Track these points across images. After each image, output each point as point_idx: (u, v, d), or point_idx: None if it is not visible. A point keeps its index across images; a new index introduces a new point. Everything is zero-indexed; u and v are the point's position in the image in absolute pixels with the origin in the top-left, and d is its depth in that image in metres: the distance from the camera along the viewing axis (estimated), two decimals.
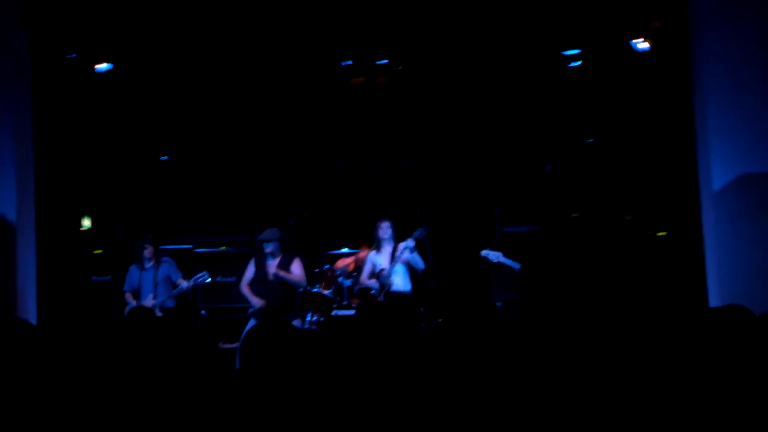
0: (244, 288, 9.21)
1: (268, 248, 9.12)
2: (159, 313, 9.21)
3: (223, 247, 11.54)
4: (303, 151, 12.65)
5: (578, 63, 10.94)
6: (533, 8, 10.14)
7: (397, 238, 9.62)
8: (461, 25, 10.72)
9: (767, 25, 8.23)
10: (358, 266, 10.59)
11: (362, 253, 10.58)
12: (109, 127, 11.47)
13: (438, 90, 12.17)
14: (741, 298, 7.56)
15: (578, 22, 10.44)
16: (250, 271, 9.28)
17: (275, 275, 9.06)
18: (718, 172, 8.65)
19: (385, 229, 9.64)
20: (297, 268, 9.16)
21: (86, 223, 11.48)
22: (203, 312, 10.94)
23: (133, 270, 9.66)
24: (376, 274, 9.59)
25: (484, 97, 12.11)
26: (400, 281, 9.52)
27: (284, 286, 9.08)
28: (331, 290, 10.16)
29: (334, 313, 10.03)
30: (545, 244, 1.29)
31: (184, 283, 9.48)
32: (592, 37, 10.62)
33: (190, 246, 11.17)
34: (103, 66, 10.43)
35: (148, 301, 9.33)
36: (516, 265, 9.22)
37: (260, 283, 9.13)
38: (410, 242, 9.47)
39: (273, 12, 10.00)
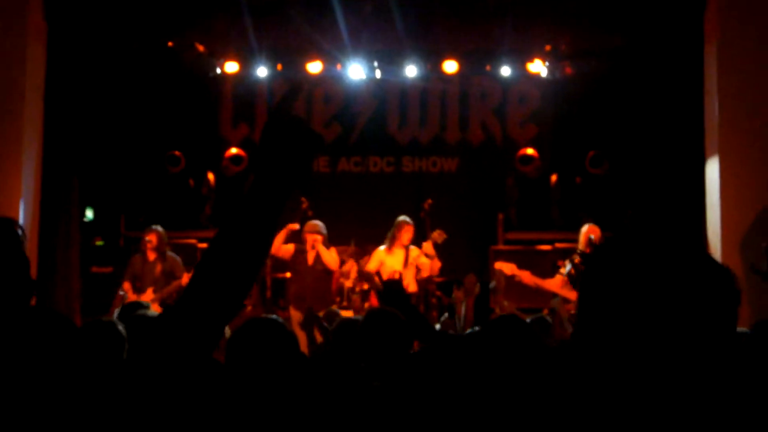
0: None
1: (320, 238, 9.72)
2: (156, 310, 9.15)
3: None
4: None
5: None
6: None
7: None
8: (471, 32, 10.75)
9: None
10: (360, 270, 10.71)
11: (363, 261, 10.67)
12: (118, 117, 11.46)
13: (446, 94, 12.21)
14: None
15: (583, 33, 10.47)
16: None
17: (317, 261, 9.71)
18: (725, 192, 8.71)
19: (407, 233, 9.66)
20: (334, 254, 9.88)
21: (89, 214, 11.43)
22: None
23: (136, 260, 9.62)
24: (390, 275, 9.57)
25: (487, 103, 12.16)
26: (411, 285, 9.54)
27: (323, 274, 9.73)
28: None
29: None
30: (614, 257, 1.18)
31: (185, 281, 9.47)
32: (598, 48, 10.64)
33: (194, 240, 11.14)
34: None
35: (148, 295, 9.29)
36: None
37: (302, 272, 9.79)
38: (427, 247, 9.52)
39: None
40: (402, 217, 9.77)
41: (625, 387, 1.35)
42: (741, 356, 2.79)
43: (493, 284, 7.57)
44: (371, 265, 9.79)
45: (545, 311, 8.58)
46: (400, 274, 9.47)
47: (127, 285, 9.57)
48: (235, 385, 3.24)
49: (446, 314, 7.72)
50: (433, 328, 4.39)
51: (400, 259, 9.62)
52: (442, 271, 10.05)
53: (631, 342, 1.34)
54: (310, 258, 9.77)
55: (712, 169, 8.92)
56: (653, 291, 1.34)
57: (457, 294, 7.50)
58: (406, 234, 9.65)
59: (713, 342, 1.33)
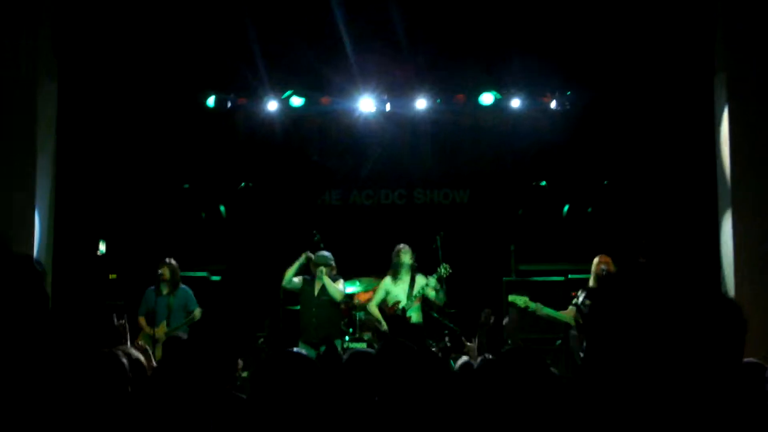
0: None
1: (327, 270, 9.64)
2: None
3: None
4: (322, 183, 12.68)
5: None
6: (550, 48, 10.22)
7: (416, 269, 9.65)
8: (480, 64, 10.84)
9: None
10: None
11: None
12: (129, 151, 11.52)
13: (456, 126, 12.23)
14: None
15: (595, 64, 10.51)
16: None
17: (321, 292, 9.62)
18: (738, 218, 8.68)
19: (404, 255, 9.63)
20: (340, 285, 9.76)
21: (102, 247, 11.46)
22: None
23: (150, 294, 9.63)
24: (390, 308, 9.54)
25: (502, 135, 12.18)
26: (415, 315, 9.52)
27: (329, 306, 9.62)
28: (344, 321, 10.21)
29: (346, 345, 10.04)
30: (620, 289, 1.18)
31: (197, 314, 9.50)
32: (610, 78, 10.67)
33: (205, 274, 11.15)
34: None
35: (161, 329, 9.29)
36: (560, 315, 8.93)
37: (307, 303, 9.70)
38: (432, 281, 9.48)
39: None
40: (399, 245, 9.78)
41: (630, 418, 1.36)
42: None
43: (506, 320, 7.55)
44: (377, 296, 9.77)
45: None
46: (404, 309, 9.43)
47: (141, 319, 9.57)
48: (257, 420, 3.24)
49: (447, 338, 7.66)
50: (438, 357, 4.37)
51: (405, 288, 9.59)
52: (454, 304, 10.01)
53: (636, 372, 1.35)
54: (316, 289, 9.71)
55: (725, 201, 8.91)
56: (655, 323, 1.35)
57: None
58: (405, 255, 9.63)
59: (718, 371, 1.34)
